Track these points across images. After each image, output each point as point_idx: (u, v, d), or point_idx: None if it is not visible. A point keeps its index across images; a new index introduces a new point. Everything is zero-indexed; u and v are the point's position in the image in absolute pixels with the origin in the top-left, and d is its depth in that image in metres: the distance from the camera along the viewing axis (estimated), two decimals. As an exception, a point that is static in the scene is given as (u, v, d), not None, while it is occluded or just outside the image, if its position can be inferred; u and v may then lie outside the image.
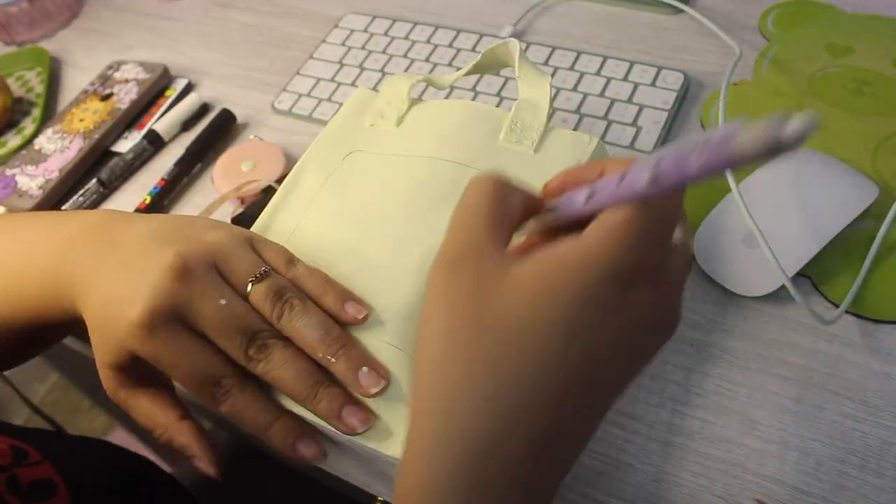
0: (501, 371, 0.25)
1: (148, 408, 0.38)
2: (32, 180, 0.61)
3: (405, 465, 0.27)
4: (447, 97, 0.59)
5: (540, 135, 0.41)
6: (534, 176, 0.38)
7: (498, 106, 0.57)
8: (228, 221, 0.54)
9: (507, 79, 0.59)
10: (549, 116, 0.42)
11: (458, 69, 0.61)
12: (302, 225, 0.42)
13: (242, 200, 0.55)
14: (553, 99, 0.43)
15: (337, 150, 0.44)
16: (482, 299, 0.25)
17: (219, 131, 0.62)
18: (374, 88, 0.62)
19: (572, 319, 0.25)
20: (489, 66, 0.44)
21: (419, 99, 0.46)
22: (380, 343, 0.36)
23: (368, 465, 0.40)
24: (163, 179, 0.59)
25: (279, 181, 0.57)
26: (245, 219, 0.53)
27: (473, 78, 0.59)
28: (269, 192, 0.43)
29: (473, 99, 0.58)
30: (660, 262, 0.27)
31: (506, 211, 0.28)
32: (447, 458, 0.25)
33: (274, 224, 0.43)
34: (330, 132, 0.46)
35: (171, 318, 0.34)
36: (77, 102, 0.67)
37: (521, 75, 0.42)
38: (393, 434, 0.34)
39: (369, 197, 0.41)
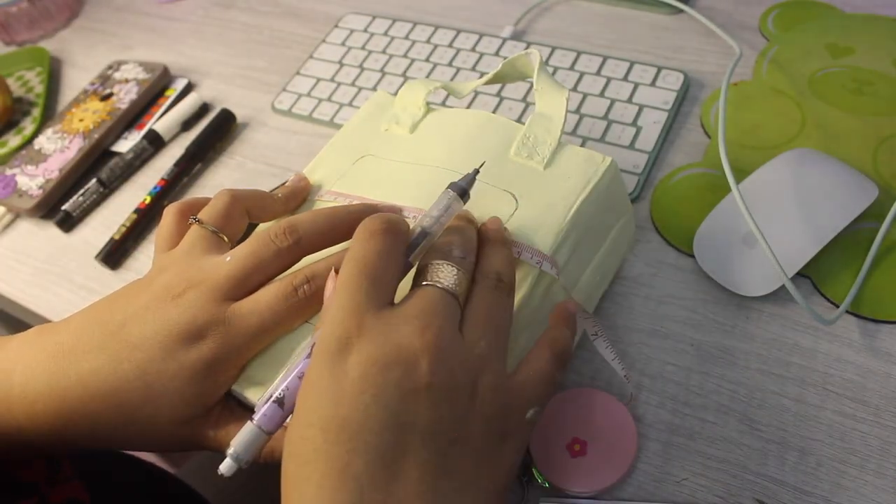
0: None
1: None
2: (32, 180, 0.61)
3: None
4: (471, 102, 0.59)
5: (552, 151, 0.39)
6: (542, 192, 0.38)
7: (524, 112, 0.57)
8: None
9: (532, 84, 0.58)
10: (563, 131, 0.41)
11: (459, 69, 0.62)
12: None
13: None
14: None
15: (349, 152, 0.44)
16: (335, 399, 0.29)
17: (219, 131, 0.62)
18: (376, 89, 0.62)
19: (316, 413, 0.28)
20: (509, 76, 0.44)
21: (437, 105, 0.45)
22: None
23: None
24: (163, 179, 0.59)
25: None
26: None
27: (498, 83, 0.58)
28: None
29: (498, 104, 0.58)
30: (369, 323, 0.29)
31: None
32: None
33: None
34: (345, 134, 0.46)
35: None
36: (77, 102, 0.67)
37: (539, 88, 0.41)
38: None
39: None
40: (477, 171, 0.36)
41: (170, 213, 0.40)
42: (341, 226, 0.37)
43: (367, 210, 0.38)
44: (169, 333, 0.34)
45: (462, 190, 0.35)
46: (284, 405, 0.31)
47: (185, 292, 0.35)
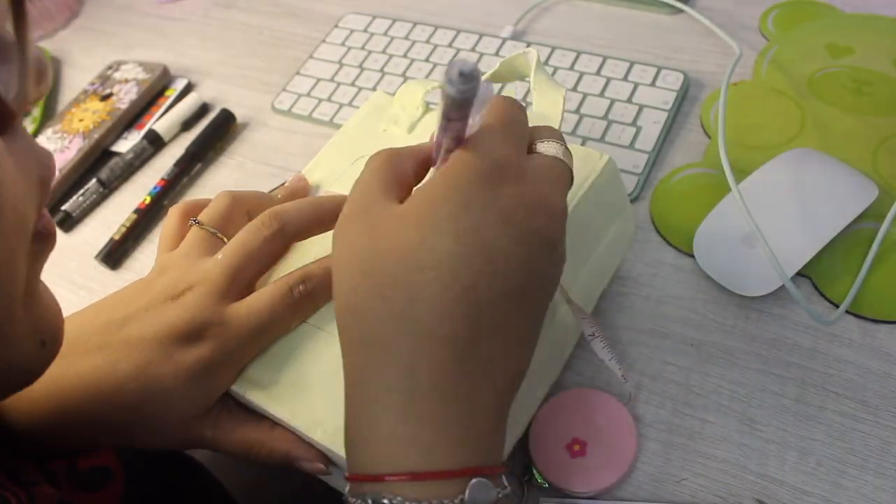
0: (407, 285, 0.27)
1: (241, 433, 0.37)
2: (32, 180, 0.61)
3: (346, 400, 0.29)
4: None
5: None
6: None
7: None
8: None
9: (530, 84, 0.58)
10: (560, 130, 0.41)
11: (458, 69, 0.62)
12: None
13: None
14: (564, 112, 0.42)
15: (348, 153, 0.44)
16: (374, 236, 0.28)
17: (219, 131, 0.62)
18: (375, 89, 0.62)
19: (455, 222, 0.27)
20: (507, 75, 0.44)
21: (436, 105, 0.45)
22: None
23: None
24: (163, 179, 0.59)
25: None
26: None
27: (496, 83, 0.58)
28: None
29: None
30: (517, 163, 0.29)
31: (396, 173, 0.31)
32: (377, 381, 0.27)
33: None
34: (344, 134, 0.46)
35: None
36: (77, 102, 0.67)
37: (537, 87, 0.41)
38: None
39: None
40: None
41: (173, 214, 0.40)
42: (326, 214, 0.38)
43: None
44: (168, 334, 0.34)
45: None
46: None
47: (183, 293, 0.35)
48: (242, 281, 0.36)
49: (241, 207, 0.39)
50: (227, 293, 0.35)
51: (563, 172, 0.31)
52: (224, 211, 0.39)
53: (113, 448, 0.39)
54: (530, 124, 0.41)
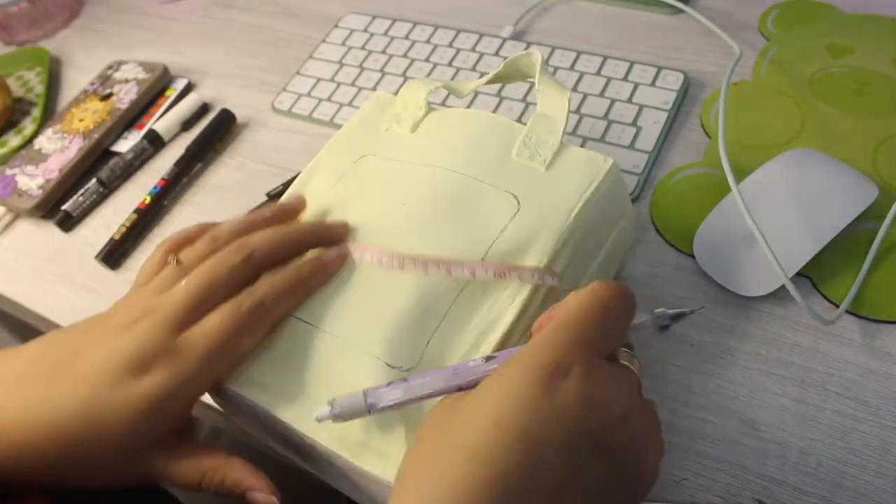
0: (436, 463, 0.27)
1: (194, 461, 0.36)
2: (32, 180, 0.61)
3: None
4: (471, 102, 0.59)
5: (554, 151, 0.39)
6: (543, 194, 0.38)
7: (523, 112, 0.57)
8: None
9: (533, 83, 0.58)
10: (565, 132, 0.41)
11: (459, 69, 0.62)
12: None
13: None
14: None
15: (350, 152, 0.44)
16: (447, 428, 0.29)
17: (219, 131, 0.62)
18: (376, 89, 0.62)
19: (499, 406, 0.27)
20: (510, 76, 0.44)
21: (438, 105, 0.45)
22: (363, 355, 0.35)
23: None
24: (163, 179, 0.59)
25: (278, 194, 0.57)
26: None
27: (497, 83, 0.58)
28: (274, 199, 0.43)
29: (498, 104, 0.58)
30: (586, 361, 0.29)
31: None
32: None
33: None
34: (345, 134, 0.45)
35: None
36: (77, 102, 0.67)
37: (541, 89, 0.41)
38: (386, 456, 0.33)
39: (374, 204, 0.41)
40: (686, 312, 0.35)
41: (159, 249, 0.39)
42: (294, 241, 0.38)
43: (320, 228, 0.39)
44: (116, 364, 0.33)
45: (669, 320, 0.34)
46: (411, 389, 0.31)
47: (136, 321, 0.34)
48: (201, 311, 0.35)
49: (223, 244, 0.38)
50: (183, 322, 0.34)
51: (635, 384, 0.31)
52: (205, 252, 0.38)
53: (49, 490, 0.37)
54: (535, 126, 0.41)
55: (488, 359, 0.31)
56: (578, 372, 0.28)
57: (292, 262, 0.38)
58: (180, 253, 0.38)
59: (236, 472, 0.35)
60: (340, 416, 0.31)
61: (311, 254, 0.39)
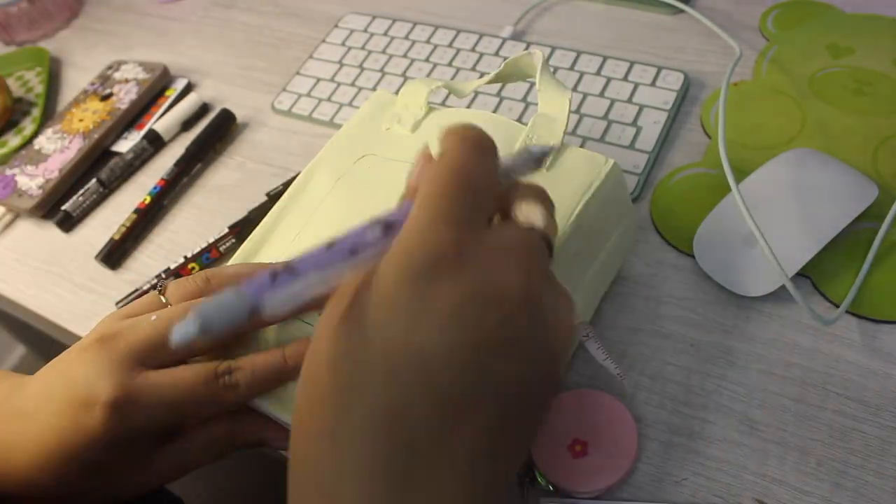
0: (334, 407, 0.24)
1: (206, 432, 0.35)
2: (32, 180, 0.61)
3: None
4: (471, 102, 0.59)
5: (555, 152, 0.40)
6: None
7: (524, 112, 0.57)
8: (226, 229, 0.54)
9: (533, 84, 0.58)
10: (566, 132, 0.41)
11: (459, 69, 0.62)
12: (306, 229, 0.41)
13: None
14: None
15: (350, 152, 0.44)
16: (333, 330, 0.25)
17: (219, 131, 0.62)
18: (376, 89, 0.62)
19: (381, 330, 0.24)
20: (511, 76, 0.43)
21: (438, 105, 0.45)
22: None
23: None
24: (163, 179, 0.59)
25: (278, 194, 0.57)
26: (247, 223, 0.53)
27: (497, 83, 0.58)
28: (274, 199, 0.42)
29: (498, 104, 0.58)
30: (459, 250, 0.24)
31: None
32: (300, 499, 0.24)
33: (279, 226, 0.42)
34: (345, 133, 0.45)
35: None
36: (77, 102, 0.67)
37: (542, 89, 0.41)
38: None
39: (374, 204, 0.40)
40: (552, 148, 0.31)
41: (152, 292, 0.37)
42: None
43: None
44: (70, 400, 0.32)
45: (541, 154, 0.30)
46: (299, 276, 0.25)
47: (90, 345, 0.33)
48: (162, 359, 0.33)
49: (216, 288, 0.36)
50: (142, 360, 0.33)
51: (534, 249, 0.26)
52: (192, 295, 0.36)
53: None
54: (536, 127, 0.41)
55: (386, 228, 0.26)
56: (456, 262, 0.24)
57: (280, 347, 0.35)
58: (170, 284, 0.36)
59: (255, 428, 0.35)
60: (209, 328, 0.24)
61: (299, 332, 0.36)
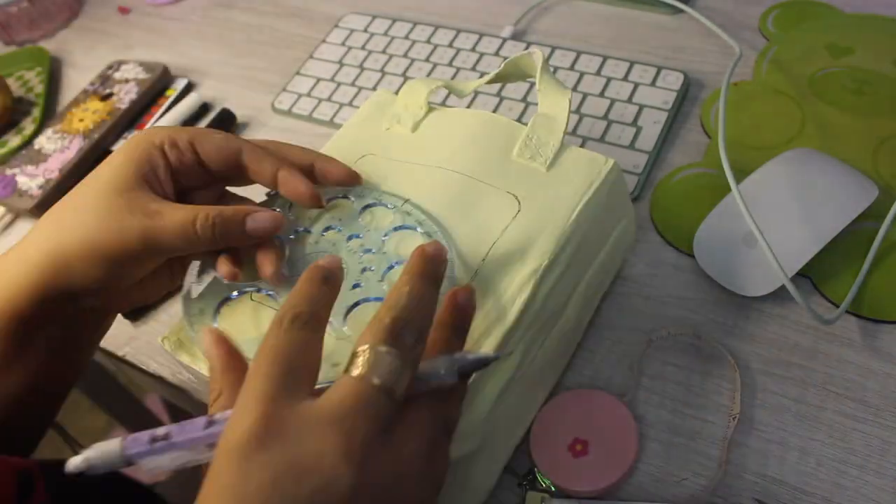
0: None
1: (181, 211, 0.35)
2: (32, 180, 0.61)
3: None
4: (471, 101, 0.59)
5: (554, 152, 0.39)
6: (544, 194, 0.38)
7: (524, 112, 0.57)
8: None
9: (532, 84, 0.58)
10: (566, 132, 0.41)
11: (459, 69, 0.62)
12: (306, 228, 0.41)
13: None
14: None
15: (351, 151, 0.44)
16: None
17: (219, 131, 0.62)
18: (376, 89, 0.62)
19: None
20: (511, 75, 0.43)
21: (438, 105, 0.45)
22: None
23: None
24: (163, 179, 0.59)
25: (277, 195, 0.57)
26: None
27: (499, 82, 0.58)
28: (275, 197, 0.42)
29: (498, 104, 0.58)
30: (281, 414, 0.25)
31: None
32: None
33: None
34: (345, 133, 0.45)
35: None
36: (77, 102, 0.67)
37: (542, 88, 0.41)
38: None
39: None
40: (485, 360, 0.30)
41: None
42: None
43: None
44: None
45: (470, 368, 0.29)
46: (156, 450, 0.28)
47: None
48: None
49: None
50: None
51: (359, 410, 0.25)
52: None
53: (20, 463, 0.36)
54: (536, 126, 0.41)
55: (209, 424, 0.28)
56: (264, 438, 0.24)
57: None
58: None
59: (233, 201, 0.35)
60: (94, 466, 0.28)
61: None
